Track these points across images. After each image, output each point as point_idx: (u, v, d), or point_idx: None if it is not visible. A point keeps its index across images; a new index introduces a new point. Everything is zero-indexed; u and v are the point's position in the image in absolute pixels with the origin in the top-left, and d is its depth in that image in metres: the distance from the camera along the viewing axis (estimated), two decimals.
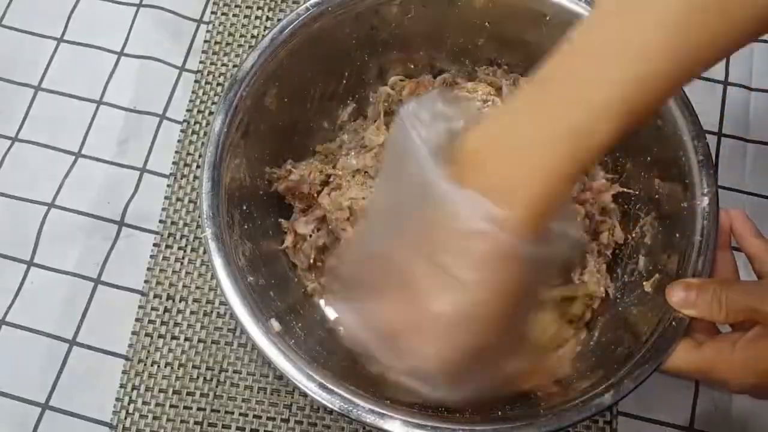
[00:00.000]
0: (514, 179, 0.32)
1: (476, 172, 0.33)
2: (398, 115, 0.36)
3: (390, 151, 0.38)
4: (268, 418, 0.52)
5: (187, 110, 0.62)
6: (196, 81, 0.63)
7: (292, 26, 0.49)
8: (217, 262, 0.44)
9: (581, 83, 0.32)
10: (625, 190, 0.52)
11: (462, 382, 0.37)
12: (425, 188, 0.33)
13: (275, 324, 0.44)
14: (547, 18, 0.51)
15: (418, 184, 0.34)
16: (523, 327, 0.42)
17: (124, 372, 0.53)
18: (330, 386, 0.41)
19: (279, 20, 0.51)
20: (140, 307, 0.55)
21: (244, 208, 0.49)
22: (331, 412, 0.52)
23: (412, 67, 0.57)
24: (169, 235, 0.57)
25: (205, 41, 0.64)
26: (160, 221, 0.58)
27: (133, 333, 0.54)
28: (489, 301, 0.34)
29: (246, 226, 0.48)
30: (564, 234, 0.35)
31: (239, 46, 0.64)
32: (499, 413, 0.43)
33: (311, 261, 0.53)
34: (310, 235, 0.53)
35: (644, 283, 0.47)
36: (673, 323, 0.41)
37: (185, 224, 0.58)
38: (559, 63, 0.33)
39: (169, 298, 0.55)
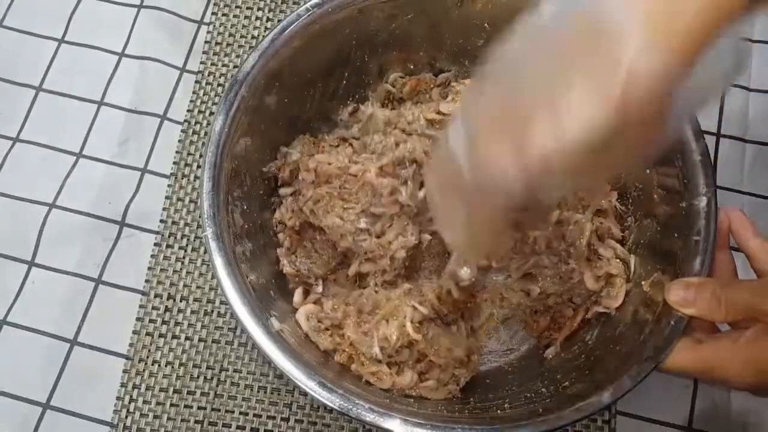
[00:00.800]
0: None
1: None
2: None
3: None
4: (268, 417, 0.52)
5: (188, 110, 0.62)
6: (196, 81, 0.63)
7: (292, 27, 0.50)
8: (218, 262, 0.44)
9: None
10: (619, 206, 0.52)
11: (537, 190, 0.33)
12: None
13: (275, 323, 0.44)
14: None
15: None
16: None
17: (124, 371, 0.54)
18: (330, 385, 0.41)
19: (279, 21, 0.51)
20: (141, 306, 0.55)
21: (245, 207, 0.49)
22: (330, 410, 0.52)
23: (412, 67, 0.58)
24: (170, 234, 0.58)
25: (206, 42, 0.64)
26: (161, 221, 0.58)
27: (134, 332, 0.55)
28: (619, 129, 0.30)
29: (246, 226, 0.49)
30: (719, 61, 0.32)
31: (239, 46, 0.64)
32: (499, 412, 0.43)
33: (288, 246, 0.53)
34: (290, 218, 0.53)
35: (643, 282, 0.47)
36: (672, 322, 0.41)
37: (186, 224, 0.58)
38: None
39: (169, 297, 0.56)
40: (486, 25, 0.54)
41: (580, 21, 0.30)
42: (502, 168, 0.31)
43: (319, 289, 0.53)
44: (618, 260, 0.51)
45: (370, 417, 0.40)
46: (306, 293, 0.52)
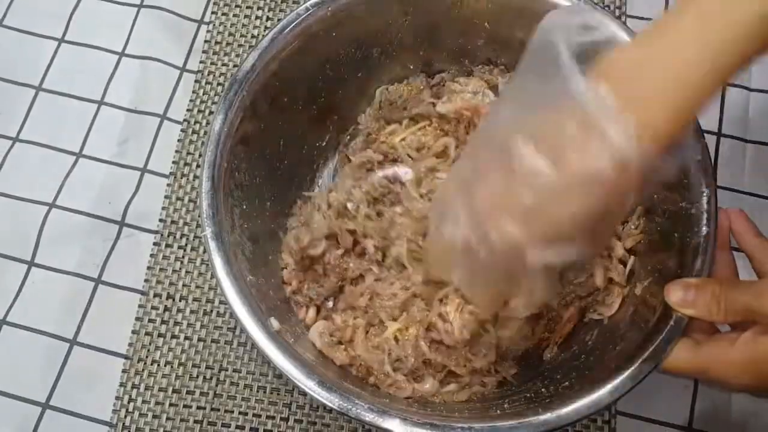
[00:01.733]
0: (655, 92, 0.33)
1: (616, 81, 0.33)
2: (541, 24, 0.35)
3: (527, 57, 0.37)
4: (268, 417, 0.52)
5: (188, 110, 0.62)
6: (196, 81, 0.63)
7: (292, 26, 0.50)
8: (217, 262, 0.44)
9: (724, 4, 0.32)
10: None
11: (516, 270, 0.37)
12: (561, 83, 0.33)
13: (274, 323, 0.44)
14: None
15: (552, 79, 0.33)
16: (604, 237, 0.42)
17: (124, 371, 0.54)
18: (329, 384, 0.41)
19: (279, 20, 0.51)
20: (140, 306, 0.55)
21: (244, 207, 0.49)
22: (330, 410, 0.52)
23: (411, 67, 0.58)
24: (169, 234, 0.58)
25: (206, 41, 0.64)
26: (160, 221, 0.58)
27: (133, 332, 0.55)
28: (593, 202, 0.33)
29: (246, 226, 0.49)
30: (676, 156, 0.35)
31: (239, 46, 0.64)
32: (498, 411, 0.43)
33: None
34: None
35: (644, 282, 0.47)
36: (672, 323, 0.41)
37: (185, 223, 0.58)
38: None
39: (169, 297, 0.56)
40: (486, 24, 0.54)
41: (559, 115, 0.33)
42: (515, 244, 0.35)
43: (330, 304, 0.52)
44: (619, 263, 0.51)
45: (369, 417, 0.40)
46: (317, 309, 0.52)
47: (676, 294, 0.41)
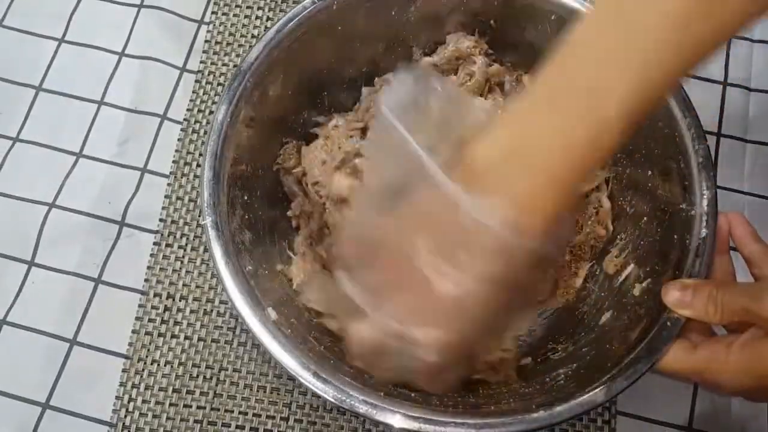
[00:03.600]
0: (524, 187, 0.34)
1: (485, 177, 0.34)
2: (378, 110, 0.37)
3: (378, 143, 0.38)
4: (268, 417, 0.53)
5: (188, 110, 0.62)
6: (196, 81, 0.63)
7: (297, 18, 0.50)
8: (217, 251, 0.44)
9: (588, 93, 0.32)
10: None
11: (439, 365, 0.39)
12: (428, 184, 0.35)
13: (272, 313, 0.44)
14: (552, 17, 0.51)
15: (415, 175, 0.35)
16: (510, 319, 0.44)
17: (124, 371, 0.54)
18: (324, 376, 0.41)
19: (279, 20, 0.51)
20: (140, 306, 0.55)
21: (245, 198, 0.49)
22: (330, 410, 0.52)
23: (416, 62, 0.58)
24: (170, 234, 0.58)
25: (206, 41, 0.64)
26: (160, 221, 0.58)
27: (133, 332, 0.55)
28: (489, 294, 0.35)
29: (246, 216, 0.49)
30: (561, 234, 0.36)
31: (240, 46, 0.64)
32: (492, 408, 0.43)
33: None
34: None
35: (642, 283, 0.47)
36: (668, 323, 0.41)
37: (185, 223, 0.58)
38: (560, 71, 0.33)
39: (169, 297, 0.56)
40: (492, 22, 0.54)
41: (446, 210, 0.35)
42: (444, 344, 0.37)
43: None
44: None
45: (363, 409, 0.40)
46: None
47: (673, 295, 0.41)
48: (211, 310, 0.55)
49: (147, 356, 0.54)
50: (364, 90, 0.57)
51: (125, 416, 0.52)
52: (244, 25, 0.65)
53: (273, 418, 0.53)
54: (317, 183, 0.54)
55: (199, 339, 0.55)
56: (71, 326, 0.55)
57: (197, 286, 0.56)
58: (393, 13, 0.53)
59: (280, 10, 0.65)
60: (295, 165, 0.55)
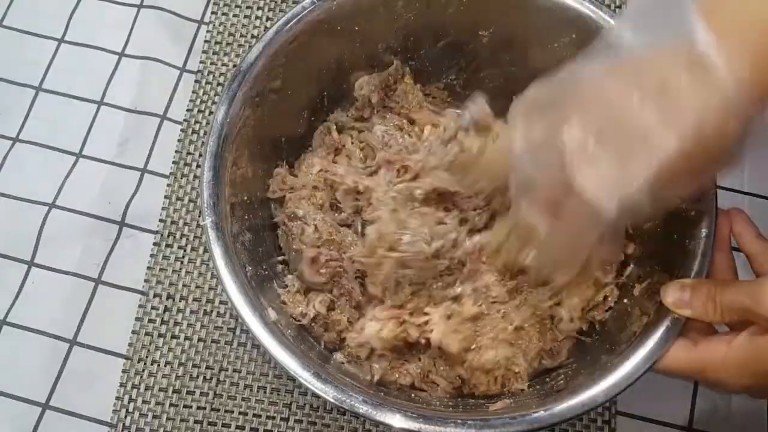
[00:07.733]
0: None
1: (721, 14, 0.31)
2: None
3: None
4: (268, 417, 0.53)
5: (188, 110, 0.62)
6: (196, 81, 0.63)
7: (296, 18, 0.50)
8: (216, 251, 0.44)
9: None
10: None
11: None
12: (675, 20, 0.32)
13: (272, 313, 0.44)
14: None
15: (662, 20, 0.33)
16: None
17: (124, 371, 0.54)
18: (324, 376, 0.41)
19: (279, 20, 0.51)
20: (140, 306, 0.55)
21: (245, 198, 0.49)
22: (330, 410, 0.52)
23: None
24: (169, 234, 0.58)
25: (206, 41, 0.64)
26: (160, 221, 0.58)
27: (133, 332, 0.55)
28: (693, 153, 0.32)
29: (246, 217, 0.49)
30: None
31: (239, 46, 0.64)
32: (491, 408, 0.43)
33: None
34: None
35: (642, 283, 0.47)
36: (669, 323, 0.41)
37: (185, 224, 0.58)
38: None
39: (169, 297, 0.56)
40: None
41: (669, 55, 0.32)
42: (603, 192, 0.34)
43: None
44: None
45: (363, 409, 0.40)
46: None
47: (672, 295, 0.41)
48: (211, 311, 0.55)
49: (147, 356, 0.54)
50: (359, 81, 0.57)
51: (125, 416, 0.52)
52: (243, 25, 0.65)
53: (273, 418, 0.53)
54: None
55: (199, 339, 0.55)
56: (71, 326, 0.55)
57: (197, 287, 0.56)
58: (393, 13, 0.53)
59: (280, 10, 0.65)
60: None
